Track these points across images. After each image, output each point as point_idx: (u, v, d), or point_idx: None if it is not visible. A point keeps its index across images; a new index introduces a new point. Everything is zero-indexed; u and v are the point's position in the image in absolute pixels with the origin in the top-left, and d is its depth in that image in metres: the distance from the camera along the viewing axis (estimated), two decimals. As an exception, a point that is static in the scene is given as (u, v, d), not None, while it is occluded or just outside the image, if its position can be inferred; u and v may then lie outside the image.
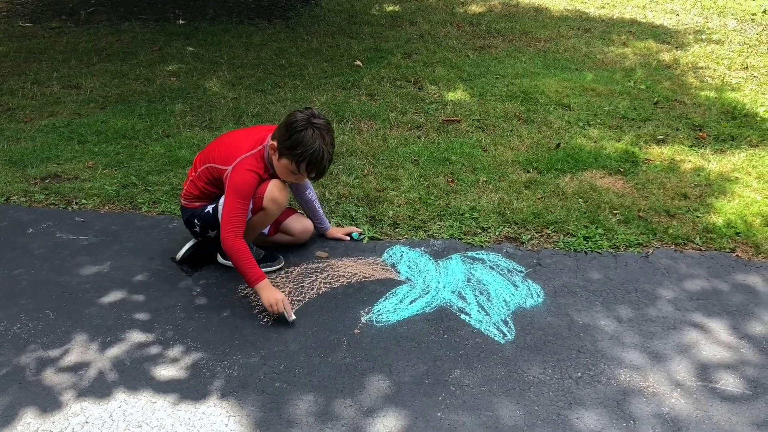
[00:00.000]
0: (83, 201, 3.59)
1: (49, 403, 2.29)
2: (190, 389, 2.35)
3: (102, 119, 4.63)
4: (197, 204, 2.92)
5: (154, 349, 2.54)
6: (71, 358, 2.49)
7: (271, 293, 2.63)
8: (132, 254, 3.14)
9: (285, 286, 2.90)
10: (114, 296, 2.85)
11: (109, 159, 4.04)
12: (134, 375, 2.41)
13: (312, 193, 3.16)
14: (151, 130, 4.43)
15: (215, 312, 2.74)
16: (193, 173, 2.92)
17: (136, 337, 2.61)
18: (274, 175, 2.81)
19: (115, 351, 2.53)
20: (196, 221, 2.92)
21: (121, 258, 3.11)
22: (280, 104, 4.85)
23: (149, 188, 3.69)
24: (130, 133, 4.40)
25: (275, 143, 2.68)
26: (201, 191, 2.89)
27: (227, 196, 2.71)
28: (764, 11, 7.32)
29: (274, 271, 2.99)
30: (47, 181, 3.81)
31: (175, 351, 2.53)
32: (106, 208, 3.55)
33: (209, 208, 2.88)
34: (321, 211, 3.22)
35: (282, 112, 4.69)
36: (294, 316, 2.66)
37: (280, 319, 2.66)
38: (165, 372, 2.43)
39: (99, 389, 2.35)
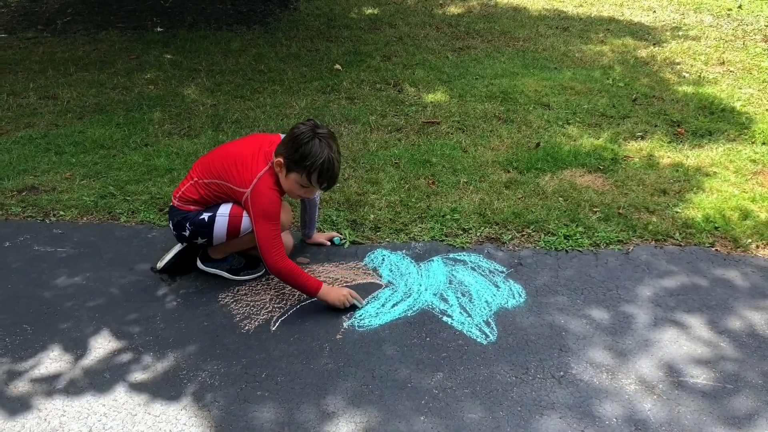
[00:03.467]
0: (61, 213, 3.55)
1: (27, 418, 2.26)
2: (170, 400, 2.32)
3: (79, 129, 4.59)
4: (192, 207, 2.82)
5: (134, 361, 2.51)
6: (49, 372, 2.46)
7: (336, 294, 2.73)
8: (111, 265, 3.11)
9: (266, 293, 2.88)
10: (93, 308, 2.81)
11: (86, 169, 4.00)
12: (114, 387, 2.39)
13: (318, 197, 3.14)
14: (129, 139, 4.39)
15: (196, 321, 2.72)
16: (196, 178, 2.82)
17: (116, 348, 2.58)
18: (282, 192, 2.75)
19: (94, 363, 2.50)
20: (187, 225, 2.81)
21: (99, 269, 3.08)
22: (260, 110, 4.83)
23: (128, 198, 3.66)
24: (107, 142, 4.36)
25: (281, 159, 2.64)
26: (202, 198, 2.81)
27: (257, 222, 2.67)
28: (740, 6, 7.39)
29: (256, 278, 2.98)
30: (24, 193, 3.76)
31: (155, 362, 2.51)
32: (85, 219, 3.51)
33: (205, 216, 2.79)
34: (316, 217, 3.18)
35: (261, 117, 4.67)
36: (364, 301, 2.80)
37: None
38: (145, 383, 2.40)
39: (78, 403, 2.32)
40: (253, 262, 3.02)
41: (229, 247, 2.92)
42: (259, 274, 3.00)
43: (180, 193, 2.86)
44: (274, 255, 2.67)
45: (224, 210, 2.77)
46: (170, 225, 2.90)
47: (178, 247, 3.01)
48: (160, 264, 3.00)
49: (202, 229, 2.80)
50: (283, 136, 2.78)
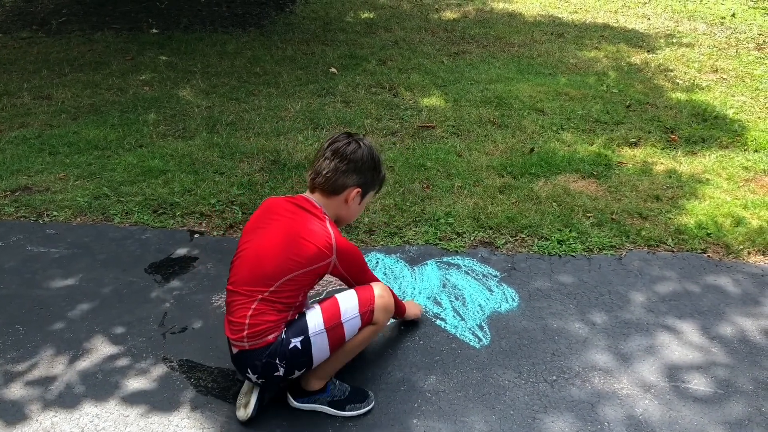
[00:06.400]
0: (54, 213, 3.54)
1: (18, 418, 2.25)
2: (163, 402, 2.32)
3: (74, 130, 4.58)
4: (270, 339, 2.14)
5: (127, 362, 2.51)
6: (41, 373, 2.45)
7: (415, 311, 2.68)
8: (104, 266, 3.10)
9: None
10: (86, 309, 2.81)
11: (80, 170, 3.99)
12: (106, 388, 2.38)
13: None
14: (124, 141, 4.38)
15: (189, 323, 2.71)
16: (260, 296, 2.13)
17: (108, 350, 2.57)
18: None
19: (86, 365, 2.49)
20: (279, 363, 2.15)
21: (93, 270, 3.07)
22: (255, 112, 4.83)
23: (122, 199, 3.65)
24: (102, 143, 4.35)
25: (358, 189, 2.28)
26: (284, 305, 2.15)
27: (359, 274, 2.30)
28: (733, 15, 7.44)
29: (365, 414, 2.29)
30: (17, 193, 3.75)
31: (147, 363, 2.50)
32: (78, 219, 3.51)
33: (296, 342, 2.14)
34: None
35: (256, 120, 4.67)
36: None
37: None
38: (137, 385, 2.40)
39: (70, 403, 2.31)
40: (359, 393, 2.35)
41: (331, 366, 2.29)
42: (367, 408, 2.29)
43: (246, 327, 2.13)
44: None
45: (315, 323, 2.17)
46: (248, 373, 2.19)
47: (257, 391, 2.28)
48: (245, 414, 2.24)
49: (298, 359, 2.17)
50: (302, 194, 2.32)
